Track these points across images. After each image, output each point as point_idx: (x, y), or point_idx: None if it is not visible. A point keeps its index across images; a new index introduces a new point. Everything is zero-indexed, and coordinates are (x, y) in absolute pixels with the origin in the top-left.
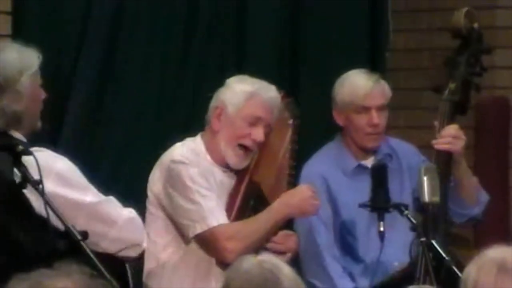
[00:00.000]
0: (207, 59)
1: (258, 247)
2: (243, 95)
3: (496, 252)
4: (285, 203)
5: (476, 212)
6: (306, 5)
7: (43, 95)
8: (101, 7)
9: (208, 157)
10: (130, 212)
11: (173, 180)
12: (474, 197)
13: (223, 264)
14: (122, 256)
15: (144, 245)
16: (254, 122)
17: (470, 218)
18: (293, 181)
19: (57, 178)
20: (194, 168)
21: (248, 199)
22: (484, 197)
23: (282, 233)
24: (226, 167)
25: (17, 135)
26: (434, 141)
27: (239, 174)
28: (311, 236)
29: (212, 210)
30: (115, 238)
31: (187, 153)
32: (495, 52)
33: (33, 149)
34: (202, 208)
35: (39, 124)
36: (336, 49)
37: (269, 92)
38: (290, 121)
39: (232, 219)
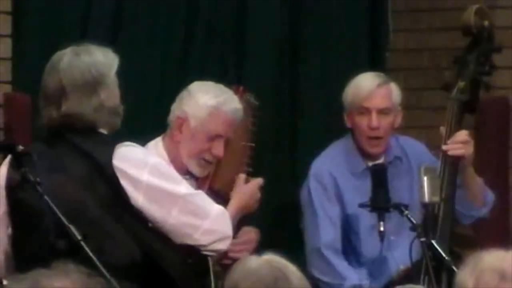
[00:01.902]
0: (207, 59)
1: None
2: (206, 110)
3: (494, 259)
4: (236, 208)
5: (484, 212)
6: (306, 5)
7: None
8: (101, 7)
9: (171, 166)
10: (219, 207)
11: None
12: (481, 198)
13: None
14: (212, 249)
15: (231, 240)
16: (214, 138)
17: (477, 218)
18: (251, 162)
19: (153, 170)
20: None
21: None
22: (490, 196)
23: (242, 233)
24: (188, 174)
25: (103, 132)
26: (445, 147)
27: (198, 182)
28: (316, 233)
29: None
30: (208, 230)
31: None
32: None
33: (126, 144)
34: None
35: (119, 122)
36: (336, 49)
37: (231, 104)
38: (249, 116)
39: None
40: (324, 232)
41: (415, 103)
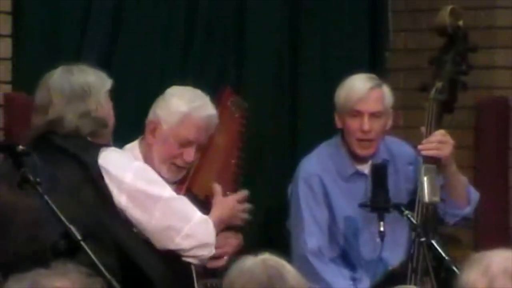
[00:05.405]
0: (207, 59)
1: None
2: (178, 116)
3: (504, 260)
4: (216, 220)
5: (468, 212)
6: (306, 5)
7: (113, 117)
8: (101, 7)
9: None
10: (203, 215)
11: None
12: (465, 197)
13: None
14: (193, 255)
15: (214, 248)
16: (185, 144)
17: (462, 217)
18: (240, 171)
19: (137, 172)
20: None
21: None
22: (475, 195)
23: (221, 236)
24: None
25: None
26: (420, 146)
27: (176, 185)
28: (302, 240)
29: None
30: (189, 234)
31: None
32: (495, 52)
33: (112, 148)
34: None
35: (111, 143)
36: (336, 49)
37: (204, 111)
38: (238, 117)
39: None
40: (310, 238)
41: (415, 103)
